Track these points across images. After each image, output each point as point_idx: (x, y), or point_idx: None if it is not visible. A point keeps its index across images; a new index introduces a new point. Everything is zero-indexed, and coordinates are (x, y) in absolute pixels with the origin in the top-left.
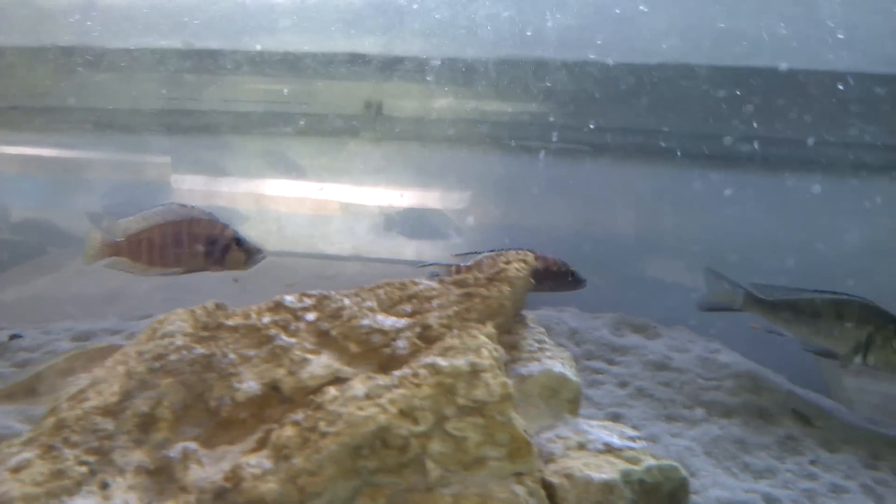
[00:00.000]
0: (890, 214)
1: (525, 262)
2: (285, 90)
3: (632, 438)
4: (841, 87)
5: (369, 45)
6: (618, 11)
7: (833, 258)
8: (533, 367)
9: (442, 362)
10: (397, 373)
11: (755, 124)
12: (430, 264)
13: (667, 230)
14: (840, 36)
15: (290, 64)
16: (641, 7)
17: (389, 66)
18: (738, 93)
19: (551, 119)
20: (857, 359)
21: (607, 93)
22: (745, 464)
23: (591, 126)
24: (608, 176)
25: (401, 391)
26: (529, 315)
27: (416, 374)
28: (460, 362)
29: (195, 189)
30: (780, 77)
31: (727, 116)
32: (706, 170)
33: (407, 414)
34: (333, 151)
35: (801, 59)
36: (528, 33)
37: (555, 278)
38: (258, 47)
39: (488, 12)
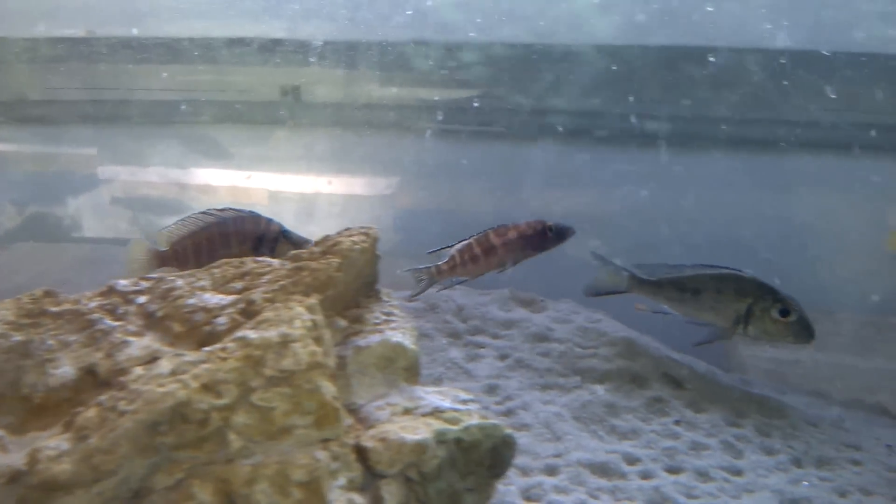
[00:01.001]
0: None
1: (367, 234)
2: (200, 78)
3: (464, 402)
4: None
5: (282, 29)
6: None
7: (716, 232)
8: (372, 339)
9: (252, 335)
10: (207, 348)
11: (648, 102)
12: (407, 270)
13: (582, 209)
14: (709, 9)
15: (203, 50)
16: None
17: (304, 51)
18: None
19: (475, 104)
20: (739, 330)
21: (518, 74)
22: (612, 426)
23: (508, 108)
24: (526, 157)
25: (206, 366)
26: (388, 290)
27: (224, 349)
28: (271, 334)
29: (123, 180)
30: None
31: (620, 95)
32: (610, 149)
33: (209, 388)
34: (254, 139)
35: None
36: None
37: (533, 241)
38: (166, 33)
39: None
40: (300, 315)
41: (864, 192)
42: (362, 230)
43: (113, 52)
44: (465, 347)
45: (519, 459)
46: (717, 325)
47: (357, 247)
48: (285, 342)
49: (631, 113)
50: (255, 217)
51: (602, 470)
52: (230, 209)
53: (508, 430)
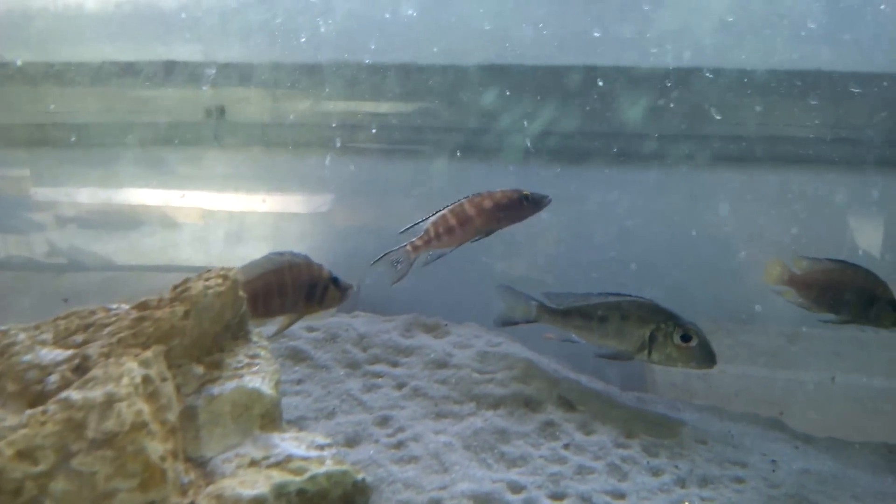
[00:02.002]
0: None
1: (225, 276)
2: (121, 100)
3: (319, 447)
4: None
5: (198, 51)
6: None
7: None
8: (227, 386)
9: (75, 396)
10: (29, 411)
11: (526, 121)
12: (381, 257)
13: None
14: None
15: (123, 72)
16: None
17: (226, 71)
18: (508, 91)
19: (393, 121)
20: (643, 356)
21: (420, 91)
22: (502, 453)
23: (421, 125)
24: (448, 174)
25: (24, 431)
26: (259, 331)
27: (45, 411)
28: (95, 394)
29: (58, 201)
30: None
31: (499, 112)
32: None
33: (25, 455)
34: (185, 160)
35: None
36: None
37: (509, 209)
38: (84, 57)
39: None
40: (130, 371)
41: (762, 204)
42: (221, 272)
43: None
44: (362, 378)
45: (403, 494)
46: (622, 352)
47: (211, 291)
48: (110, 402)
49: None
50: (308, 263)
51: (486, 500)
52: (288, 254)
53: (361, 476)
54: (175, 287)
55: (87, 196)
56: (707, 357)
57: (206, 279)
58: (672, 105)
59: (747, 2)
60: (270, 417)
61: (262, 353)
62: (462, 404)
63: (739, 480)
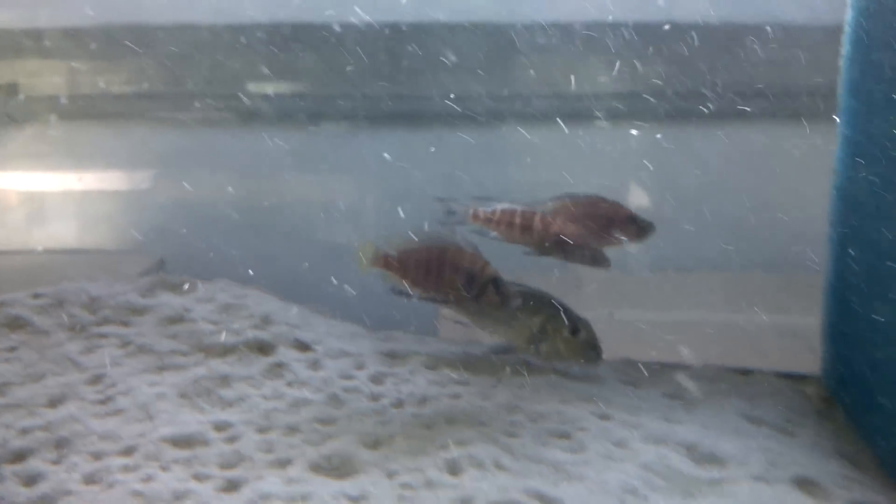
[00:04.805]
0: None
1: None
2: None
3: None
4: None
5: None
6: None
7: None
8: None
9: None
10: None
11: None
12: (446, 200)
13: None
14: None
15: None
16: None
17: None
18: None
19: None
20: (533, 349)
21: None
22: (220, 397)
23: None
24: (264, 144)
25: None
26: None
27: None
28: None
29: None
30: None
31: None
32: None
33: None
34: None
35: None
36: None
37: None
38: None
39: None
40: None
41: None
42: None
43: None
44: (86, 340)
45: (96, 446)
46: (513, 343)
47: None
48: None
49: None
50: (474, 254)
51: (186, 442)
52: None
53: None
54: None
55: None
56: (594, 353)
57: None
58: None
59: None
60: None
61: None
62: (189, 356)
63: (457, 396)
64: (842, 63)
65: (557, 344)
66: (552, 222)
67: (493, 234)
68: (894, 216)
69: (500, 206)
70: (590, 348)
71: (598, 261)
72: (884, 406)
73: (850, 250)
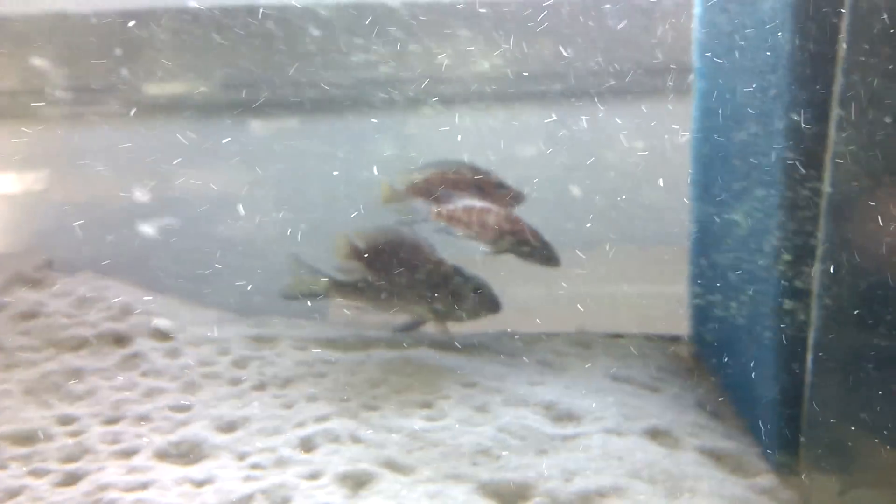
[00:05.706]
0: None
1: None
2: None
3: None
4: None
5: None
6: None
7: None
8: None
9: None
10: None
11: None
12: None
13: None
14: None
15: None
16: None
17: None
18: None
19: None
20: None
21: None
22: (68, 392)
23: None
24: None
25: None
26: None
27: None
28: None
29: None
30: None
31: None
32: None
33: None
34: None
35: None
36: None
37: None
38: None
39: None
40: None
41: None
42: None
43: None
44: None
45: None
46: (414, 322)
47: None
48: None
49: None
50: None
51: (26, 438)
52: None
53: None
54: None
55: None
56: (493, 302)
57: None
58: None
59: None
60: None
61: None
62: (40, 351)
63: (322, 375)
64: (694, 24)
65: (467, 303)
66: (510, 221)
67: (460, 232)
68: (738, 171)
69: (461, 204)
70: (491, 301)
71: (551, 260)
72: (738, 358)
73: (704, 211)
